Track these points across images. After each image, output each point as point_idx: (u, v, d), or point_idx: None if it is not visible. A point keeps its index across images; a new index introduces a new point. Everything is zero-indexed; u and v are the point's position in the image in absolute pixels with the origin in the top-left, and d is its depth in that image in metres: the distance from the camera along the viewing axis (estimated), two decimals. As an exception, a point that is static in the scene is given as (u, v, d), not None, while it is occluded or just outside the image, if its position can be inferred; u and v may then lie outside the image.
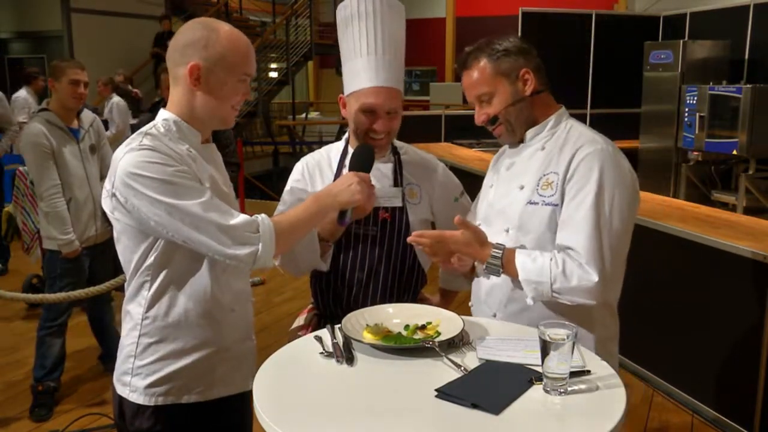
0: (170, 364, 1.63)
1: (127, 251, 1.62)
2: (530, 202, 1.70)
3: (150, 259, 1.59)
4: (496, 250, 1.66)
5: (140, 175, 1.49)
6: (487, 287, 1.80)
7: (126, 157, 1.51)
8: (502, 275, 1.71)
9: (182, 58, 1.58)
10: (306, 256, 1.92)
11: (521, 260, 1.63)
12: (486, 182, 1.94)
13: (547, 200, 1.67)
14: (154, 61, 10.43)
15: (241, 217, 1.54)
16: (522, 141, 1.80)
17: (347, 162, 2.01)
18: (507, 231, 1.73)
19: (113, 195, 1.54)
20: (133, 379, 1.64)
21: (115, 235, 1.64)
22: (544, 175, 1.70)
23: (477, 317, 1.82)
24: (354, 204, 1.72)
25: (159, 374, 1.63)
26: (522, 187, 1.73)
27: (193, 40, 1.57)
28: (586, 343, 1.67)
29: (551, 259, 1.61)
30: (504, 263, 1.65)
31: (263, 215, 1.60)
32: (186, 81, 1.58)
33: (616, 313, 1.79)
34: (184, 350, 1.64)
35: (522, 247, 1.69)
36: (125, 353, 1.66)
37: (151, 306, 1.62)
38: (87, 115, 3.53)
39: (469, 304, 1.91)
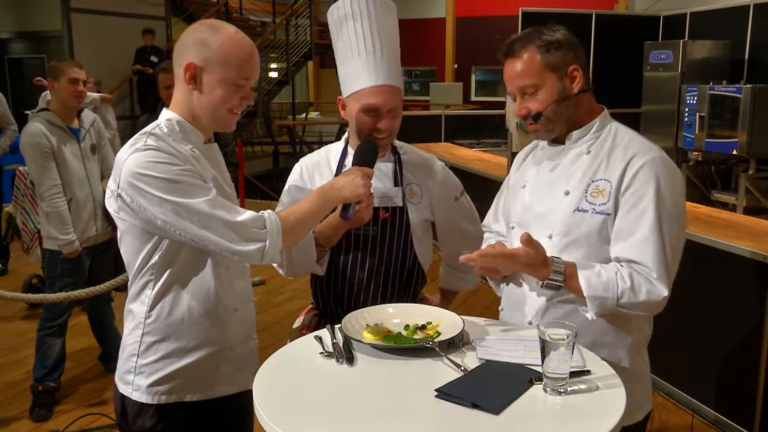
0: (173, 362, 1.64)
1: (130, 251, 1.62)
2: (578, 209, 1.62)
3: (154, 259, 1.60)
4: (558, 265, 1.59)
5: (146, 175, 1.49)
6: (522, 294, 1.73)
7: (131, 158, 1.52)
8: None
9: (180, 57, 1.59)
10: (302, 260, 1.92)
11: (586, 276, 1.56)
12: (515, 181, 1.84)
13: (598, 209, 1.60)
14: (136, 78, 10.13)
15: (248, 214, 1.55)
16: (559, 140, 1.73)
17: (347, 162, 2.01)
18: (550, 237, 1.66)
19: (119, 195, 1.54)
20: (136, 378, 1.65)
21: (118, 234, 1.64)
22: (593, 182, 1.62)
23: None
24: (357, 198, 1.71)
25: (162, 373, 1.64)
26: (567, 193, 1.65)
27: (194, 40, 1.58)
28: (621, 347, 1.65)
29: (616, 273, 1.55)
30: (565, 278, 1.58)
31: (269, 211, 1.60)
32: (182, 80, 1.59)
33: (652, 318, 1.75)
34: (187, 349, 1.64)
35: (567, 253, 1.63)
36: (128, 352, 1.67)
37: (154, 305, 1.62)
38: (87, 115, 3.54)
39: (500, 308, 1.86)
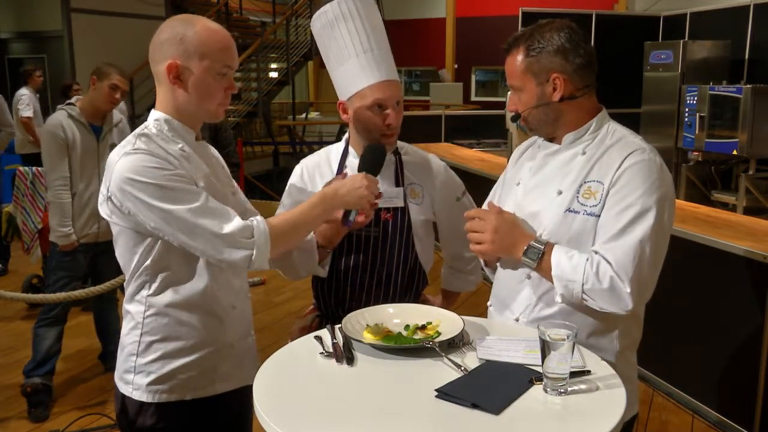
0: (173, 361, 1.65)
1: (125, 252, 1.63)
2: (569, 210, 1.62)
3: (149, 260, 1.60)
4: (538, 243, 1.60)
5: (135, 180, 1.49)
6: (510, 291, 1.74)
7: (121, 161, 1.52)
8: (530, 276, 1.66)
9: (160, 55, 1.58)
10: (304, 262, 1.92)
11: (557, 256, 1.57)
12: (510, 177, 1.85)
13: (589, 210, 1.60)
14: None
15: (235, 223, 1.54)
16: (552, 139, 1.73)
17: (348, 163, 2.01)
18: (540, 236, 1.65)
19: (109, 198, 1.55)
20: (136, 377, 1.66)
21: (113, 236, 1.65)
22: (586, 183, 1.62)
23: (485, 318, 1.79)
24: (359, 207, 1.73)
25: (162, 372, 1.64)
26: (560, 193, 1.65)
27: (170, 36, 1.57)
28: (608, 351, 1.64)
29: (587, 260, 1.55)
30: (543, 254, 1.59)
31: (259, 218, 1.60)
32: (166, 79, 1.58)
33: (642, 321, 1.74)
34: (187, 348, 1.65)
35: None
36: (127, 352, 1.67)
37: (152, 305, 1.63)
38: (114, 116, 3.57)
39: (488, 303, 1.87)
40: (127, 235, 1.59)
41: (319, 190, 1.76)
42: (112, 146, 3.48)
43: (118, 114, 3.62)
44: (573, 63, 1.62)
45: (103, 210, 1.60)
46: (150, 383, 1.64)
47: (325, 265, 1.97)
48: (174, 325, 1.64)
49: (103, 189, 1.57)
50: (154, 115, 1.63)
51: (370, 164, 1.82)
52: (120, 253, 1.65)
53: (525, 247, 1.61)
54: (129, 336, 1.67)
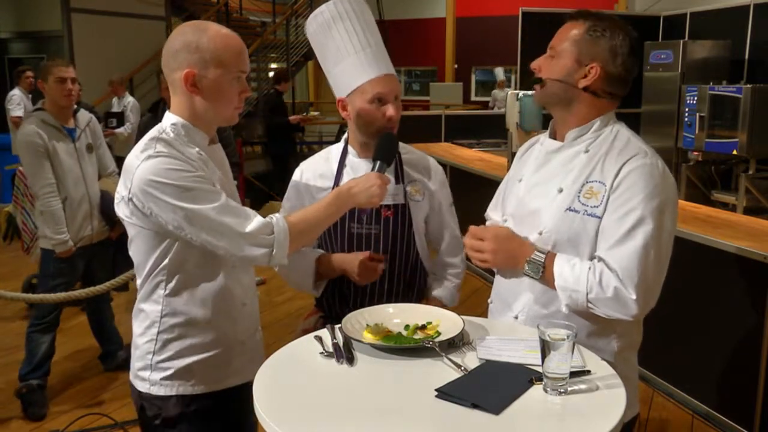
0: (188, 358, 1.69)
1: (141, 253, 1.66)
2: (570, 209, 1.62)
3: (166, 260, 1.64)
4: (539, 253, 1.60)
5: (160, 182, 1.52)
6: (510, 289, 1.75)
7: (144, 164, 1.54)
8: (528, 281, 1.66)
9: (176, 63, 1.61)
10: (299, 282, 1.99)
11: (559, 266, 1.57)
12: (513, 174, 1.85)
13: (590, 210, 1.59)
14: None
15: (257, 222, 1.59)
16: (554, 134, 1.73)
17: (347, 162, 2.02)
18: (540, 234, 1.65)
19: (130, 200, 1.57)
20: (153, 374, 1.70)
21: (129, 237, 1.68)
22: (587, 182, 1.62)
23: (487, 318, 1.79)
24: (370, 206, 1.81)
25: (178, 367, 1.69)
26: (561, 190, 1.65)
27: (184, 44, 1.59)
28: (606, 352, 1.64)
29: (590, 268, 1.55)
30: (545, 264, 1.60)
31: (278, 216, 1.65)
32: (182, 87, 1.61)
33: (641, 324, 1.74)
34: (201, 345, 1.69)
35: (556, 251, 1.62)
36: (143, 350, 1.71)
37: (167, 304, 1.67)
38: (83, 115, 3.54)
39: (489, 300, 1.87)
40: (146, 235, 1.62)
41: (334, 189, 1.81)
42: (89, 147, 3.48)
43: (87, 114, 3.59)
44: (615, 67, 1.63)
45: (122, 211, 1.62)
46: (166, 377, 1.69)
47: (320, 288, 2.02)
48: (189, 324, 1.68)
49: (122, 191, 1.60)
50: (171, 119, 1.66)
51: (386, 151, 1.86)
52: (135, 253, 1.68)
53: (526, 261, 1.62)
54: (144, 335, 1.70)
